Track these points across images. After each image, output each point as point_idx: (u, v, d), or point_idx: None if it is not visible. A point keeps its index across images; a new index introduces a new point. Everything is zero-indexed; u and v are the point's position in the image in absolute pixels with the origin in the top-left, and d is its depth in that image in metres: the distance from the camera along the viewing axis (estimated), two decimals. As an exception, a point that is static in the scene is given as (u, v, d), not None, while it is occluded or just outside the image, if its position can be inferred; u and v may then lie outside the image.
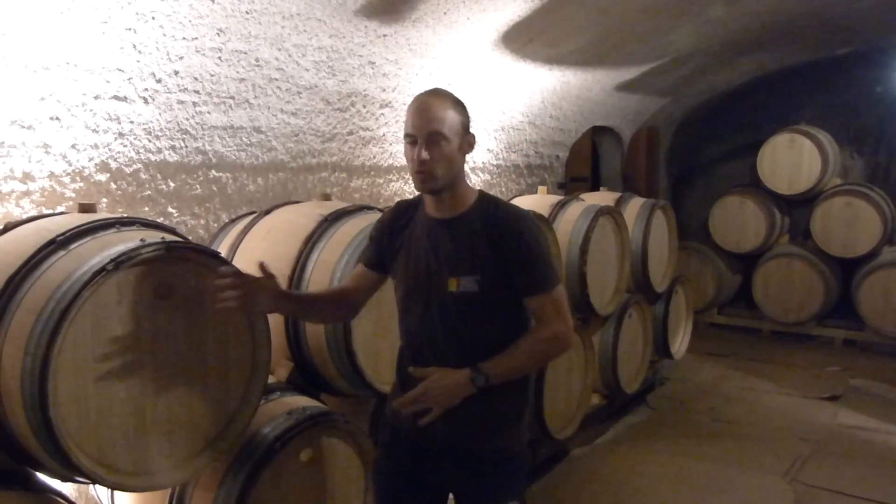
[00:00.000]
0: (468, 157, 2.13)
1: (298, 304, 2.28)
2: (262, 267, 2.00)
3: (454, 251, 2.04)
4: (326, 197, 3.19)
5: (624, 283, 4.73)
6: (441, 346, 2.07)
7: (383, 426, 2.30)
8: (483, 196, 2.12)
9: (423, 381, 2.01)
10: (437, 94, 2.03)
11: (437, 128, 1.95)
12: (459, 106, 2.03)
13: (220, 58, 3.08)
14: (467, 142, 2.05)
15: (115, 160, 2.89)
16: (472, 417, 2.04)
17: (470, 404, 2.00)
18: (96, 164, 2.82)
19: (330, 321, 2.58)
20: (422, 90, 2.08)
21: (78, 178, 2.77)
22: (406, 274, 2.13)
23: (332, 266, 2.64)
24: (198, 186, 3.27)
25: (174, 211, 3.18)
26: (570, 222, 4.30)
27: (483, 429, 2.08)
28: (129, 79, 2.82)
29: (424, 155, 1.94)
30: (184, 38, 2.89)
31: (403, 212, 2.21)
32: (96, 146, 2.80)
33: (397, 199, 4.42)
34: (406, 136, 2.01)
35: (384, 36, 3.67)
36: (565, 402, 4.21)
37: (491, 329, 2.06)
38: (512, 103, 5.22)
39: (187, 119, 3.11)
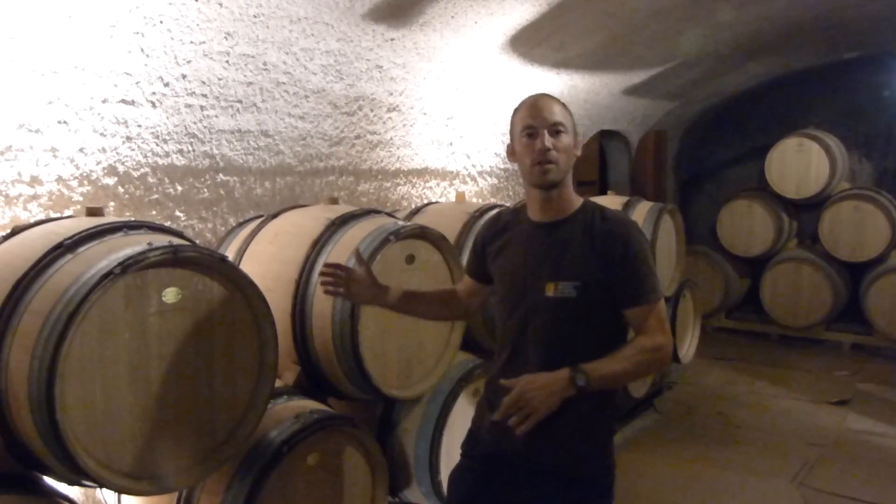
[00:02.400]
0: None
1: (401, 299, 2.31)
2: (357, 254, 2.25)
3: (555, 255, 2.03)
4: (334, 201, 3.19)
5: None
6: (534, 351, 2.04)
7: (469, 434, 2.28)
8: (588, 203, 2.10)
9: (518, 385, 1.87)
10: (550, 95, 2.08)
11: (560, 119, 2.00)
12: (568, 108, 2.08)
13: (227, 61, 3.09)
14: (577, 142, 2.07)
15: (122, 164, 2.89)
16: (563, 433, 1.97)
17: (562, 418, 1.90)
18: (104, 168, 2.83)
19: (438, 318, 2.74)
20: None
21: (85, 182, 2.77)
22: (503, 278, 2.16)
23: (339, 270, 2.63)
24: (205, 190, 3.27)
25: (182, 215, 3.19)
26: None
27: (572, 447, 2.01)
28: (137, 82, 2.82)
29: (549, 143, 1.97)
30: (191, 42, 2.89)
31: (502, 220, 2.24)
32: (104, 150, 2.81)
33: (404, 202, 4.41)
34: (525, 128, 2.01)
35: (392, 40, 3.66)
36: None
37: (585, 337, 2.00)
38: (519, 107, 5.20)
39: (195, 123, 3.12)
